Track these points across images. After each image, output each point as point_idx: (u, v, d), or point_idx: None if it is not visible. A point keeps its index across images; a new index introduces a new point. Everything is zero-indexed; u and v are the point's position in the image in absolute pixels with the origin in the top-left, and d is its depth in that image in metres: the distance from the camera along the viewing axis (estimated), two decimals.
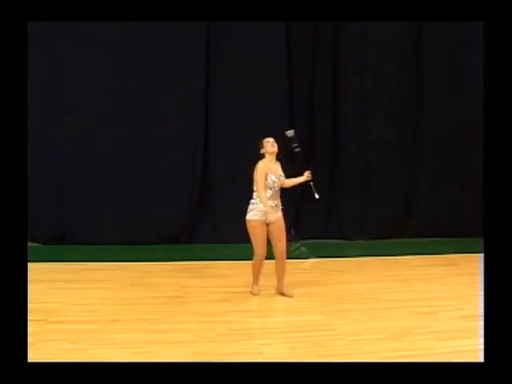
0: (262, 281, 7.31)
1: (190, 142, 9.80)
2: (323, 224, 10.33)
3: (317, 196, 6.59)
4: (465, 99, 10.48)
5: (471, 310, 6.27)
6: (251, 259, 8.34)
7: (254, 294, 6.70)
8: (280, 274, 6.69)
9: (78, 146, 9.38)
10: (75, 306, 6.24)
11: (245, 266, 8.08)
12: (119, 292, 6.81)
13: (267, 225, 6.48)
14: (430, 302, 6.59)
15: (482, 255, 4.19)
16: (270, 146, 6.57)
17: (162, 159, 9.66)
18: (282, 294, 6.70)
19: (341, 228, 10.36)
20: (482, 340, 5.20)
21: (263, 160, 6.55)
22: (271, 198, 6.46)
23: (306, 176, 6.67)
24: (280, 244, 6.53)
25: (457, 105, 10.51)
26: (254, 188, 6.48)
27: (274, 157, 6.60)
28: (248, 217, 6.49)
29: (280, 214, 6.59)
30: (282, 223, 6.58)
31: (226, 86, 9.82)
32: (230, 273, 7.83)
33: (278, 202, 6.58)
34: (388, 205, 10.41)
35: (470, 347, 5.13)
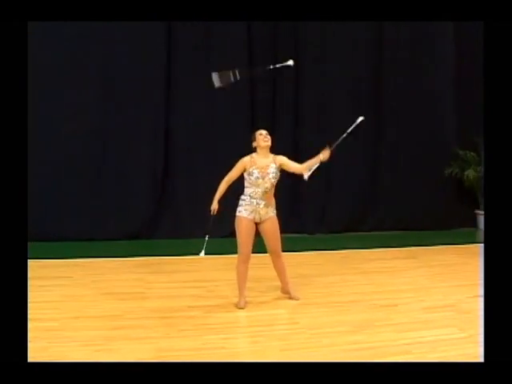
0: (218, 275, 7.35)
1: (151, 139, 9.81)
2: (283, 219, 10.36)
3: (305, 177, 6.32)
4: (424, 92, 10.67)
5: (431, 301, 6.38)
6: (215, 253, 8.37)
7: (239, 308, 6.02)
8: (280, 271, 6.31)
9: (37, 143, 9.25)
10: (35, 303, 6.13)
11: (206, 261, 8.10)
12: (80, 289, 6.75)
13: (257, 224, 6.08)
14: (390, 294, 6.67)
15: (481, 245, 4.20)
16: (261, 139, 6.07)
17: (122, 156, 9.65)
18: (289, 296, 6.36)
19: (301, 222, 10.42)
20: (441, 331, 5.36)
21: (252, 154, 6.09)
22: (257, 196, 6.01)
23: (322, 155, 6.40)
24: (271, 242, 6.15)
25: (417, 99, 10.68)
26: (245, 184, 6.08)
27: (267, 151, 6.11)
28: (236, 213, 6.06)
29: (272, 214, 6.15)
30: (274, 221, 6.16)
31: (187, 84, 9.82)
32: (191, 268, 7.82)
33: (270, 201, 6.10)
34: (348, 198, 10.51)
35: (429, 338, 5.22)
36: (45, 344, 5.01)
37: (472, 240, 10.05)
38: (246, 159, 6.07)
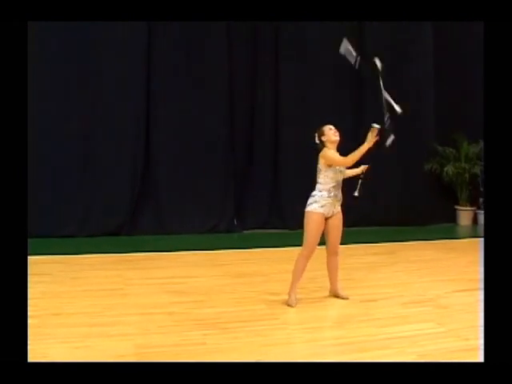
0: (199, 271, 7.35)
1: (132, 136, 9.77)
2: (265, 215, 10.42)
3: (356, 194, 6.27)
4: (403, 89, 10.70)
5: (410, 297, 6.42)
6: (196, 249, 8.36)
7: (289, 306, 6.01)
8: (333, 269, 6.33)
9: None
10: None
11: (187, 257, 8.10)
12: (59, 285, 6.70)
13: (326, 219, 6.04)
14: (369, 290, 6.70)
15: (477, 239, 4.24)
16: (332, 134, 6.05)
17: (103, 152, 9.60)
18: (337, 297, 6.33)
19: (282, 218, 10.45)
20: (419, 326, 5.40)
21: (324, 149, 6.03)
22: (335, 188, 6.01)
23: (361, 170, 6.35)
24: (335, 237, 6.20)
25: (396, 95, 10.69)
26: (318, 180, 6.01)
27: (335, 146, 6.08)
28: (309, 208, 5.97)
29: (339, 207, 6.16)
30: (341, 217, 6.17)
31: (167, 84, 9.80)
32: (172, 264, 7.80)
33: (340, 194, 6.13)
34: None
35: (408, 333, 5.25)
36: None
37: (451, 236, 10.14)
38: (332, 151, 6.01)
